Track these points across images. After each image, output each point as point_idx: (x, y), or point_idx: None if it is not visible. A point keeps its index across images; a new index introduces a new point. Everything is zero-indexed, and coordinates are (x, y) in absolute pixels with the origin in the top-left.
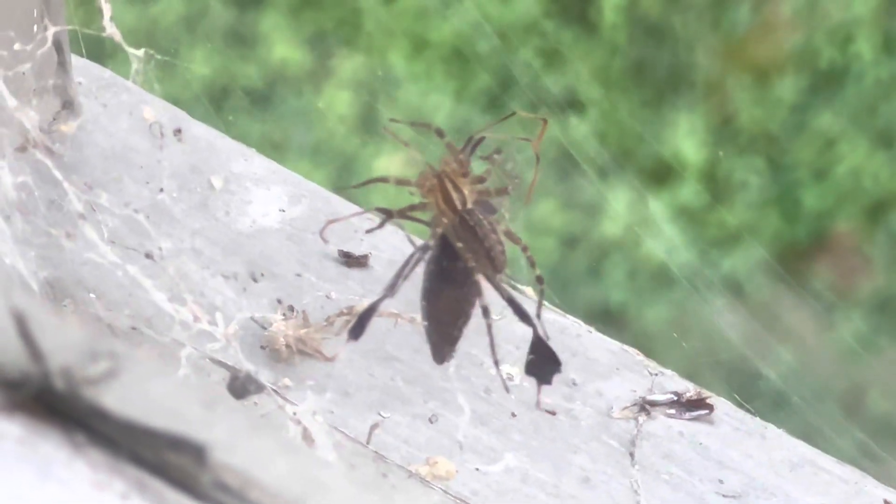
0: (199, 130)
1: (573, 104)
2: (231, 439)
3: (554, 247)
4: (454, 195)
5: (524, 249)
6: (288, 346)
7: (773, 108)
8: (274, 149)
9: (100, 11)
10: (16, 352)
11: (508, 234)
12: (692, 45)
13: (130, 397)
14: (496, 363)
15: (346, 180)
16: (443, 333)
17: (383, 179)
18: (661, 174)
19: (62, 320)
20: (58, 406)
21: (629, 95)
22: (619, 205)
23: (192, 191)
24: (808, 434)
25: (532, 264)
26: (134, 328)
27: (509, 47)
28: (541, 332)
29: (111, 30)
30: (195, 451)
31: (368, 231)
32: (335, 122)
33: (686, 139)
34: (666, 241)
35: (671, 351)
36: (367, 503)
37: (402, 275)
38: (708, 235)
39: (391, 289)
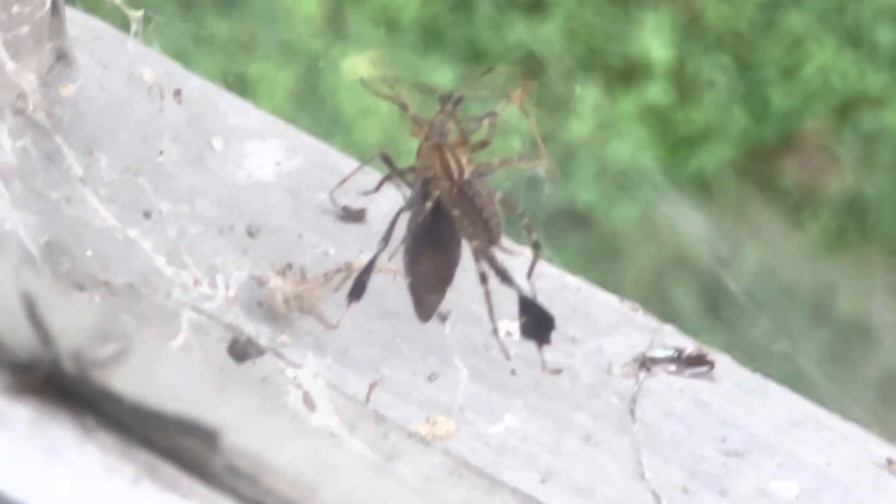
0: (194, 83)
1: (540, 3)
2: (243, 422)
3: (520, 147)
4: (453, 165)
5: (521, 217)
6: (286, 302)
7: (740, 6)
8: (241, 48)
9: None
10: (25, 334)
11: (505, 203)
12: None
13: (140, 379)
14: (495, 331)
15: (313, 81)
16: (425, 294)
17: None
18: (628, 73)
19: (71, 301)
20: (68, 389)
21: None
22: (586, 105)
23: (189, 147)
24: (776, 338)
25: (529, 231)
26: (131, 286)
27: None
28: (526, 292)
29: None
30: (208, 436)
31: (365, 193)
32: (301, 22)
33: (653, 38)
34: (633, 141)
35: (638, 250)
36: (380, 489)
37: (394, 227)
38: (675, 134)
39: (385, 242)
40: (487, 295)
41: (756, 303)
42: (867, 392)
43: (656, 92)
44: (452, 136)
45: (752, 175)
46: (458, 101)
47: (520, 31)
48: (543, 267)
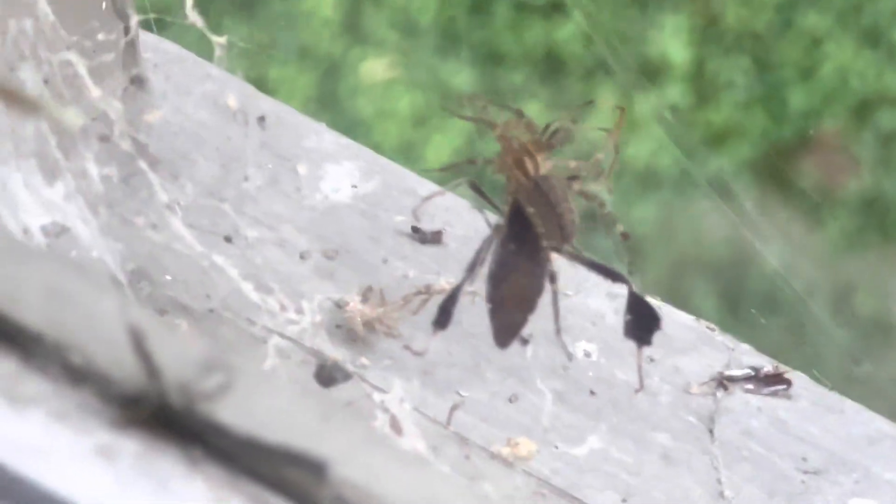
0: (268, 106)
1: (559, 5)
2: (348, 453)
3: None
4: (527, 160)
5: (601, 206)
6: (365, 325)
7: (758, 8)
8: (261, 52)
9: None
10: (132, 368)
11: (584, 193)
12: None
13: (245, 411)
14: (558, 331)
15: (333, 84)
16: (506, 319)
17: (472, 161)
18: (647, 75)
19: (175, 334)
20: (174, 421)
21: None
22: (605, 106)
23: (271, 172)
24: (799, 332)
25: (613, 222)
26: (212, 310)
27: None
28: (635, 289)
29: (193, 17)
30: (315, 467)
31: (442, 169)
32: (320, 26)
33: (671, 39)
34: (652, 142)
35: (657, 251)
36: None
37: (479, 260)
38: (694, 136)
39: (470, 271)
40: (555, 294)
41: (776, 302)
42: (890, 390)
43: (675, 93)
44: (527, 137)
45: (771, 175)
46: (554, 133)
47: (538, 32)
48: (620, 287)
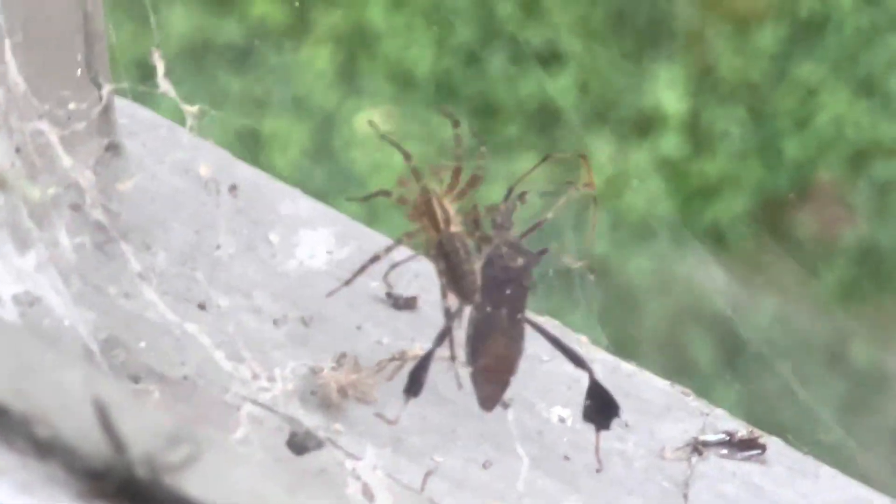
0: (244, 172)
1: (554, 56)
2: None
3: (535, 199)
4: (438, 213)
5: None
6: (339, 391)
7: (753, 58)
8: (255, 105)
9: (153, 67)
10: (98, 441)
11: (482, 239)
12: None
13: (213, 483)
14: (453, 357)
15: (327, 136)
16: (488, 382)
17: (386, 193)
18: (642, 125)
19: (142, 405)
20: (140, 494)
21: (609, 46)
22: (600, 156)
23: (244, 239)
24: (790, 390)
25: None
26: (186, 378)
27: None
28: (598, 378)
29: (165, 86)
30: None
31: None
32: (315, 78)
33: (667, 90)
34: (648, 193)
35: (653, 302)
36: None
37: (449, 327)
38: (690, 186)
39: (440, 340)
40: (449, 330)
41: (772, 353)
42: (884, 442)
43: (670, 144)
44: (444, 183)
45: (767, 225)
46: (522, 196)
47: (533, 83)
48: (597, 352)
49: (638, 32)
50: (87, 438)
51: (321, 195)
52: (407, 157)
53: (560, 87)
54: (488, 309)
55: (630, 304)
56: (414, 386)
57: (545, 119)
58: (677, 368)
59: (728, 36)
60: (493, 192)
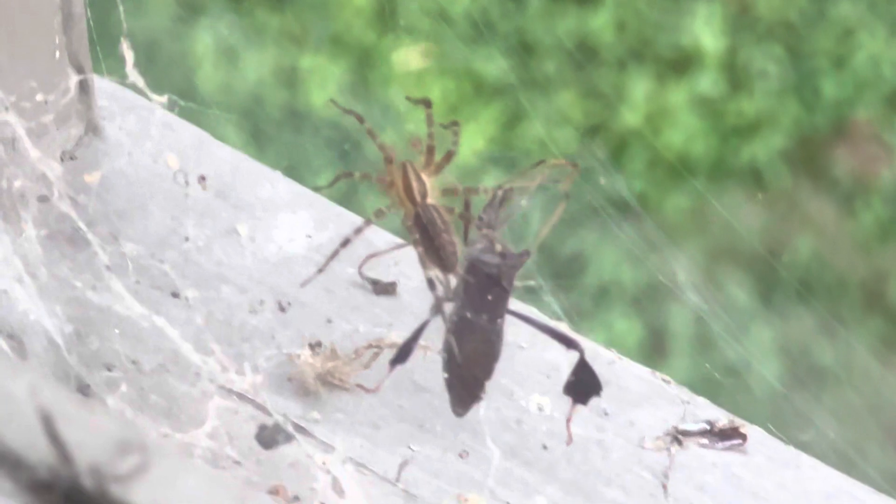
0: (224, 153)
1: None
2: None
3: (573, 137)
4: (415, 185)
5: (480, 228)
6: (316, 378)
7: None
8: (292, 41)
9: (122, 58)
10: (44, 451)
11: (464, 217)
12: None
13: (161, 493)
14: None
15: (365, 73)
16: (464, 387)
17: (348, 174)
18: (679, 64)
19: (90, 412)
20: None
21: None
22: (638, 95)
23: (218, 223)
24: (827, 328)
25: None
26: (161, 366)
27: None
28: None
29: (134, 77)
30: None
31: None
32: (353, 15)
33: (704, 28)
34: (685, 131)
35: (690, 240)
36: None
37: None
38: (727, 125)
39: (436, 311)
40: (438, 300)
41: (808, 292)
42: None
43: (708, 82)
44: (420, 156)
45: (803, 165)
46: (506, 194)
47: (570, 21)
48: (578, 338)
49: None
50: (34, 448)
51: (356, 134)
52: (360, 119)
53: (598, 24)
54: (468, 314)
55: (666, 242)
56: (402, 355)
57: (582, 56)
58: (713, 308)
59: None
60: (532, 129)
